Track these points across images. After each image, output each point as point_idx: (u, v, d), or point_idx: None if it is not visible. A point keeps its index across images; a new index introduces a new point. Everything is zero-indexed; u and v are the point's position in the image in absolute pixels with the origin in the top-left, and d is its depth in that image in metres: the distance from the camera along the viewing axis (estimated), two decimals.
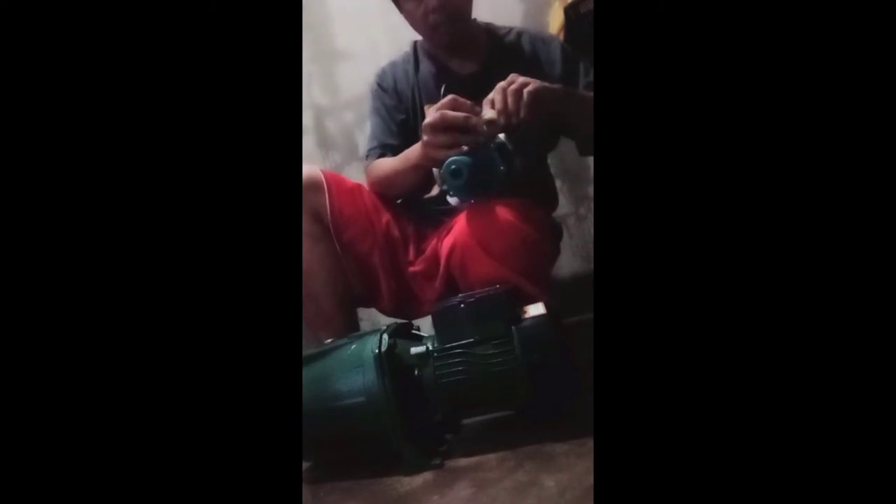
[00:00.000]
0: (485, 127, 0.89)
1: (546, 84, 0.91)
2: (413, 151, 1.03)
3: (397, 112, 1.17)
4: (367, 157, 1.18)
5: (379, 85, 1.20)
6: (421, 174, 1.06)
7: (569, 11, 1.16)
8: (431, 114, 0.92)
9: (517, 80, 0.89)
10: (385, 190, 1.14)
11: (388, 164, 1.12)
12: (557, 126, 1.14)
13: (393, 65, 1.22)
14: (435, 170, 1.10)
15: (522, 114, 0.87)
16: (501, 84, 0.89)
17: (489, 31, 1.21)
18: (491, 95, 0.90)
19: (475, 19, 1.19)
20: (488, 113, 0.89)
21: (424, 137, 0.94)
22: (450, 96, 0.92)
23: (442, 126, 0.90)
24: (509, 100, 0.87)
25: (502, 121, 0.88)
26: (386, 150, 1.15)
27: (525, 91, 0.87)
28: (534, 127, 0.92)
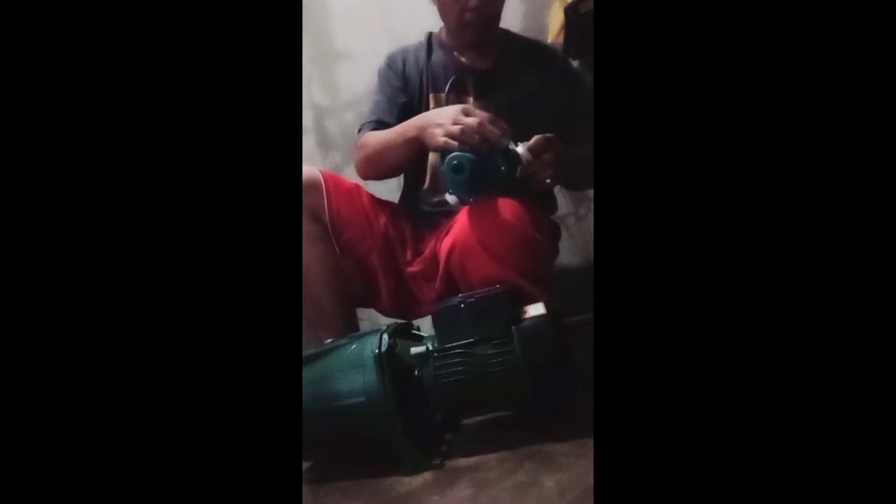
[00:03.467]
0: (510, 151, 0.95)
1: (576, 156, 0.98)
2: (409, 125, 1.03)
3: (402, 95, 1.17)
4: (361, 130, 1.16)
5: (388, 65, 1.20)
6: (412, 151, 1.04)
7: (569, 11, 1.16)
8: (457, 109, 0.95)
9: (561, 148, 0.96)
10: (372, 162, 1.12)
11: (380, 135, 1.10)
12: None
13: (404, 50, 1.22)
14: (431, 158, 1.10)
15: (547, 179, 0.96)
16: (558, 146, 0.95)
17: (505, 34, 1.23)
18: (536, 141, 0.95)
19: None
20: (523, 151, 0.94)
21: (450, 112, 0.95)
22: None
23: (473, 117, 0.92)
24: (552, 162, 0.95)
25: (528, 167, 0.94)
26: (381, 127, 1.14)
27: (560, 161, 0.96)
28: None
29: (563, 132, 1.00)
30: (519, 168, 0.95)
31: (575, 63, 1.27)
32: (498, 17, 1.17)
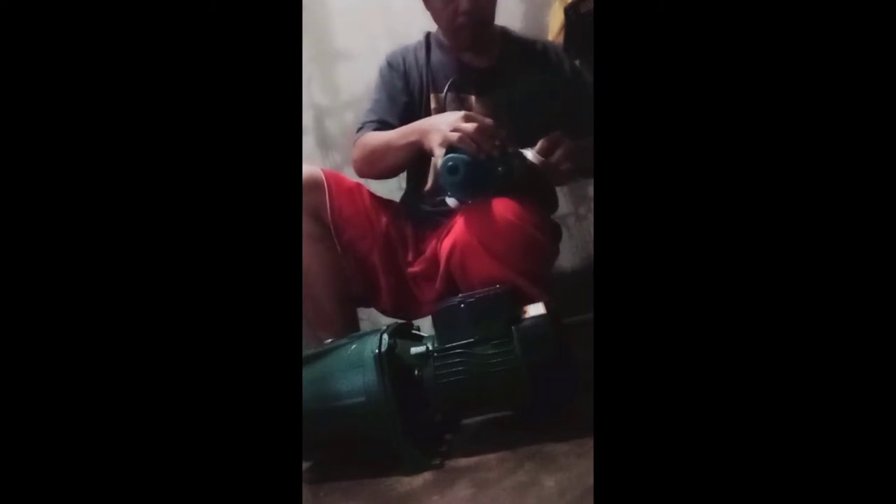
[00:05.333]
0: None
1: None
2: (411, 128, 1.04)
3: (403, 94, 1.17)
4: (362, 128, 1.16)
5: (389, 64, 1.20)
6: (412, 153, 1.06)
7: (569, 11, 1.16)
8: (458, 115, 0.96)
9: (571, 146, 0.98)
10: (371, 162, 1.12)
11: (383, 135, 1.11)
12: None
13: (404, 49, 1.22)
14: (434, 159, 1.11)
15: (566, 175, 0.99)
16: (564, 142, 0.98)
17: (504, 33, 1.23)
18: (542, 144, 0.98)
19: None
20: (532, 156, 0.96)
21: (450, 119, 0.96)
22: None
23: (472, 123, 0.93)
24: (565, 157, 0.97)
25: (542, 168, 0.97)
26: (383, 127, 1.14)
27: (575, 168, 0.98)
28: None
29: (563, 130, 1.00)
30: (525, 166, 0.97)
31: (576, 62, 1.27)
32: (491, 18, 1.16)
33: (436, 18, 1.16)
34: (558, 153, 0.97)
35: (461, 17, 1.10)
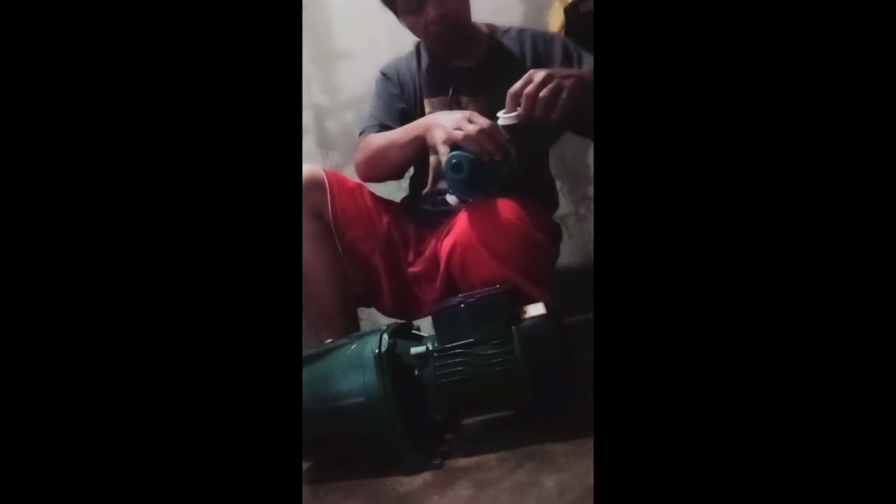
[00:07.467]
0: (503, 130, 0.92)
1: (582, 76, 0.92)
2: (415, 124, 1.04)
3: (399, 100, 1.18)
4: (363, 133, 1.17)
5: (383, 74, 1.22)
6: (416, 149, 1.05)
7: (569, 11, 1.16)
8: (462, 114, 0.94)
9: (557, 73, 0.90)
10: (375, 163, 1.12)
11: (385, 135, 1.11)
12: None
13: (397, 61, 1.24)
14: (432, 159, 1.11)
15: (555, 115, 0.89)
16: (539, 77, 0.89)
17: (490, 29, 1.23)
18: (519, 87, 0.90)
19: (473, 23, 1.20)
20: (505, 119, 0.92)
21: (454, 116, 0.95)
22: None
23: (476, 125, 0.92)
24: (543, 99, 0.89)
25: (522, 119, 0.90)
26: (384, 130, 1.14)
27: (565, 88, 0.89)
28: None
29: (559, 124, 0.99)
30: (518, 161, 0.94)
31: (570, 47, 1.25)
32: (465, 21, 1.16)
33: (412, 31, 1.17)
34: (529, 87, 0.89)
35: (432, 26, 1.10)
